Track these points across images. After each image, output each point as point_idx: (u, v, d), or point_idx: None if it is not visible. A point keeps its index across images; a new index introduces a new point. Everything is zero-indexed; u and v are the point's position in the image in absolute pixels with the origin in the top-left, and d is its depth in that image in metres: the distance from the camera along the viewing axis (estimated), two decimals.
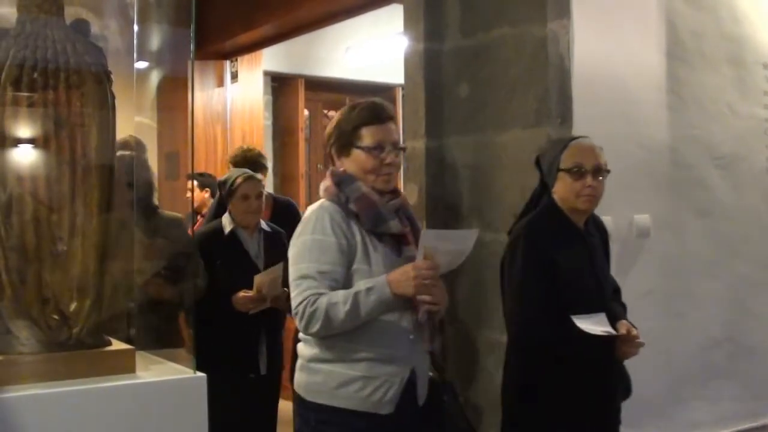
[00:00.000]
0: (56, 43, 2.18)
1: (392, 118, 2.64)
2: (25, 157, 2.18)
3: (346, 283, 2.47)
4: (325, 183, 2.62)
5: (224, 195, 4.00)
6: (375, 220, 2.53)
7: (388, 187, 2.60)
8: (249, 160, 4.84)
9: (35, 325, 2.15)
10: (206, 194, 6.16)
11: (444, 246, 2.43)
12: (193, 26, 2.54)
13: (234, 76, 7.15)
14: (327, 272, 2.44)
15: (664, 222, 3.97)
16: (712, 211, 4.20)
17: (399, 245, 2.58)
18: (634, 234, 3.83)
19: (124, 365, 2.24)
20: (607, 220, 3.67)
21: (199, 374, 2.30)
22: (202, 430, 2.25)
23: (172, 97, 3.43)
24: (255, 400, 3.93)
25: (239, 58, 7.07)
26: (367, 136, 2.56)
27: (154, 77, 3.24)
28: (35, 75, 2.14)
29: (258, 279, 3.74)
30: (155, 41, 3.02)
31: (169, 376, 2.29)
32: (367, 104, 2.63)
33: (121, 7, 2.77)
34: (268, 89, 7.39)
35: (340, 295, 2.40)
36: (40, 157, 2.18)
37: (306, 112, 7.68)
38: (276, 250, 3.91)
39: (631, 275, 3.77)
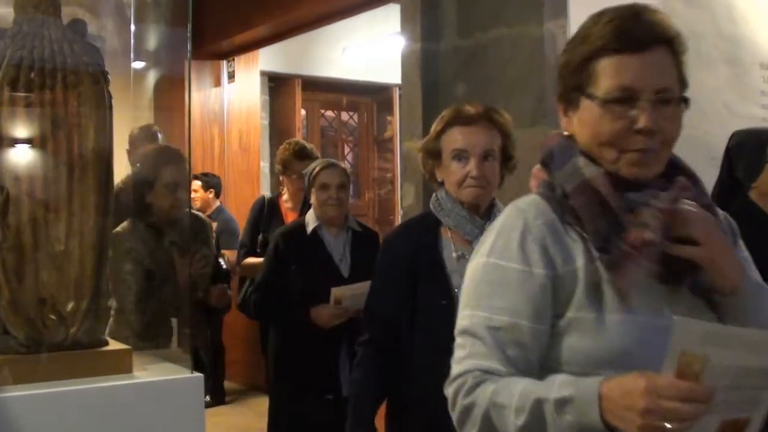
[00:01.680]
0: (53, 43, 2.18)
1: (665, 39, 1.40)
2: (22, 157, 2.17)
3: (550, 347, 1.39)
4: (537, 166, 1.63)
5: (306, 188, 3.57)
6: (602, 228, 1.37)
7: (640, 174, 1.40)
8: (298, 154, 4.46)
9: (32, 325, 2.15)
10: (210, 195, 6.16)
11: (724, 355, 1.14)
12: (189, 26, 2.53)
13: (231, 76, 7.15)
14: (504, 329, 1.37)
15: None
16: None
17: (677, 275, 1.38)
18: None
19: (121, 365, 2.24)
20: None
21: (196, 374, 2.29)
22: (199, 430, 2.25)
23: (169, 97, 3.44)
24: (340, 428, 3.23)
25: (236, 58, 7.07)
26: (606, 73, 1.39)
27: (151, 77, 3.24)
28: (32, 75, 2.14)
29: (338, 292, 3.29)
30: (152, 41, 3.02)
31: (166, 376, 2.29)
32: (618, 13, 1.41)
33: (118, 7, 2.77)
34: (265, 89, 7.40)
35: (515, 393, 1.30)
36: (37, 157, 2.18)
37: (303, 112, 7.69)
38: (366, 254, 3.40)
39: None
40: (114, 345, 2.31)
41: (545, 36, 3.54)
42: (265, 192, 7.07)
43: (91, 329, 2.23)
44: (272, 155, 7.40)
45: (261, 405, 4.84)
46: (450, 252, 2.37)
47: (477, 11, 3.81)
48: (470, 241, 2.35)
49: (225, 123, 7.21)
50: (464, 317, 1.43)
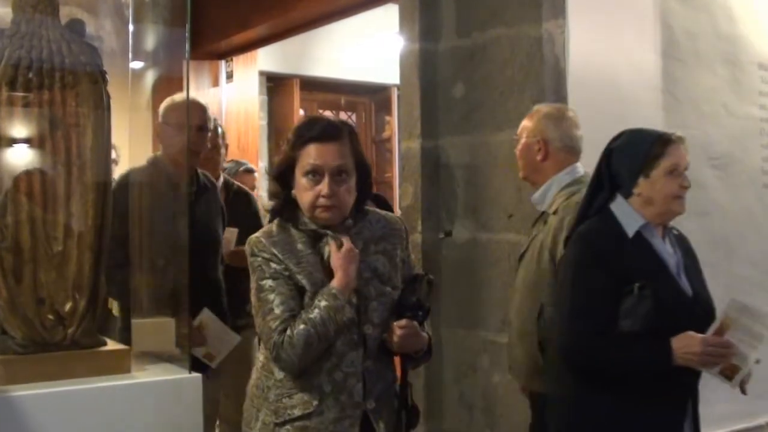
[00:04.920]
0: (51, 44, 2.18)
1: None
2: (20, 157, 2.17)
3: None
4: None
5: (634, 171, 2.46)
6: None
7: None
8: None
9: (30, 326, 2.15)
10: None
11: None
12: (188, 26, 2.54)
13: (229, 76, 7.15)
14: None
15: None
16: (707, 211, 4.20)
17: None
18: None
19: (120, 365, 2.24)
20: None
21: (194, 374, 2.29)
22: (197, 430, 2.25)
23: (168, 97, 3.43)
24: None
25: (234, 58, 7.07)
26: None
27: (150, 77, 3.23)
28: (30, 75, 2.14)
29: (732, 311, 2.31)
30: (150, 41, 3.02)
31: (165, 376, 2.29)
32: None
33: (116, 7, 2.77)
34: (263, 89, 7.39)
35: None
36: (35, 157, 2.18)
37: (301, 112, 7.68)
38: (693, 260, 2.60)
39: None
40: (112, 345, 2.31)
41: (543, 36, 3.54)
42: (263, 193, 7.06)
43: (90, 329, 2.23)
44: (270, 155, 7.40)
45: None
46: None
47: (475, 11, 3.81)
48: None
49: (223, 123, 7.20)
50: None
